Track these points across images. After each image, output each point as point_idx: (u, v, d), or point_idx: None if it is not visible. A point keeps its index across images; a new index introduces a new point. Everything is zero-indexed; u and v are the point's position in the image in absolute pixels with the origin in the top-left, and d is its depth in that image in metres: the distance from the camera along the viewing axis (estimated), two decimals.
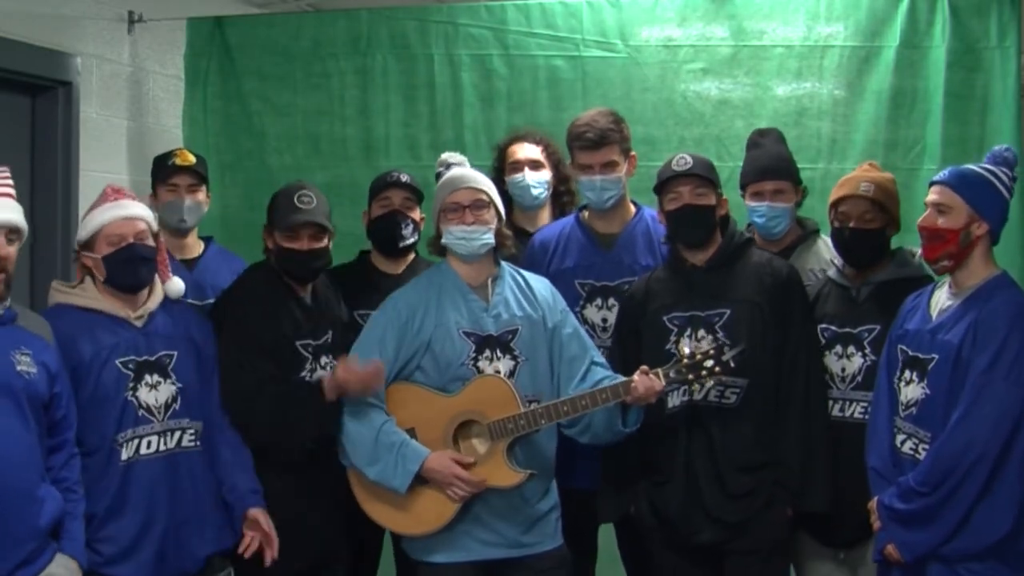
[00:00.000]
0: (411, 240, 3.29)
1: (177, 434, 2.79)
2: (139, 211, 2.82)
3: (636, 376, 2.74)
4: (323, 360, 3.00)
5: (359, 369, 2.78)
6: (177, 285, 2.90)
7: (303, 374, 2.96)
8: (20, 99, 3.95)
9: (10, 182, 2.56)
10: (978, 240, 2.66)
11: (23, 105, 3.97)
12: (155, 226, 2.87)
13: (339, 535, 2.99)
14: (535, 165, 3.48)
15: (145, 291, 2.83)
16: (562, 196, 3.56)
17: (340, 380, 2.79)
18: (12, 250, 2.51)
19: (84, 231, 2.80)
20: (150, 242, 2.81)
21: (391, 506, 2.80)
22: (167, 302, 2.88)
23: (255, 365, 2.87)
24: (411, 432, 2.78)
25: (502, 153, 3.56)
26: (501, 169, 3.51)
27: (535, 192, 3.47)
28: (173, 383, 2.80)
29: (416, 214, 3.31)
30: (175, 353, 2.81)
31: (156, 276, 2.86)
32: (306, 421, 2.85)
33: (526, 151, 3.51)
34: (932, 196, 2.70)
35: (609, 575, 3.44)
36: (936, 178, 2.73)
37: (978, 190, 2.66)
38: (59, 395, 2.57)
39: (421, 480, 2.75)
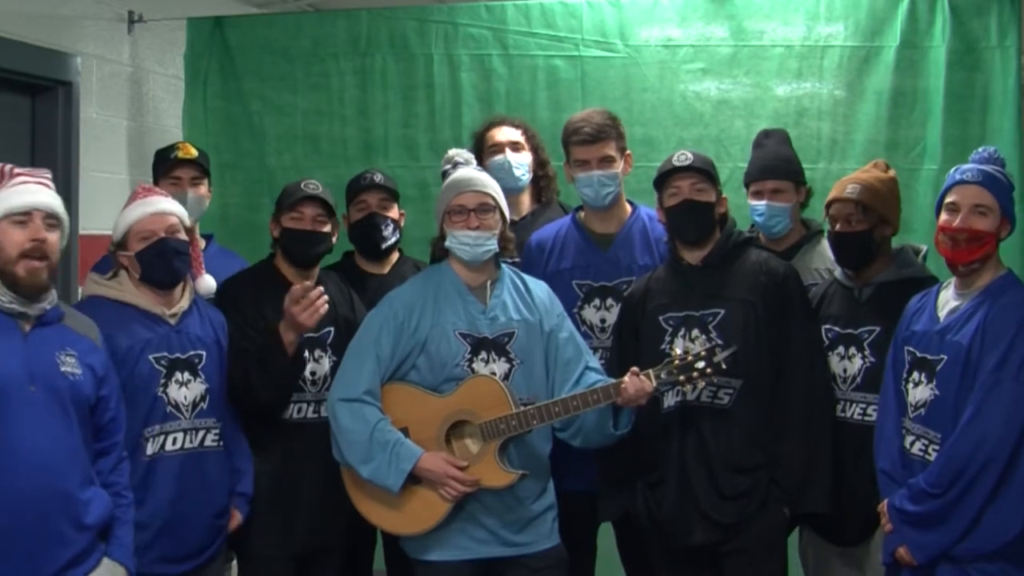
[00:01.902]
0: (392, 240, 3.30)
1: (202, 433, 2.83)
2: (168, 206, 2.87)
3: (626, 378, 2.74)
4: (317, 353, 3.02)
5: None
6: (208, 283, 2.94)
7: None
8: (20, 99, 3.95)
9: (45, 175, 2.56)
10: (999, 242, 2.65)
11: (23, 105, 3.97)
12: (188, 221, 2.90)
13: (336, 522, 3.00)
14: (516, 147, 3.46)
15: (179, 289, 2.87)
16: (539, 181, 3.53)
17: (287, 311, 2.85)
18: (53, 236, 2.48)
19: (116, 231, 2.84)
20: (182, 236, 2.85)
21: (384, 505, 2.80)
22: (199, 304, 2.92)
23: (241, 336, 2.94)
24: (404, 432, 2.78)
25: (480, 139, 3.53)
26: (479, 156, 3.47)
27: (517, 173, 3.44)
28: (202, 382, 2.83)
29: (394, 212, 3.31)
30: (204, 354, 2.85)
31: (188, 275, 2.90)
32: (263, 377, 2.89)
33: (505, 133, 3.49)
34: (967, 197, 2.63)
35: (609, 575, 3.43)
36: (966, 178, 2.65)
37: (1005, 191, 2.65)
38: (106, 398, 2.57)
39: (414, 479, 2.75)
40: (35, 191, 2.48)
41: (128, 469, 2.63)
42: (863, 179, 2.96)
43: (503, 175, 3.41)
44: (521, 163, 3.45)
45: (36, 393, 2.40)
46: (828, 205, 2.98)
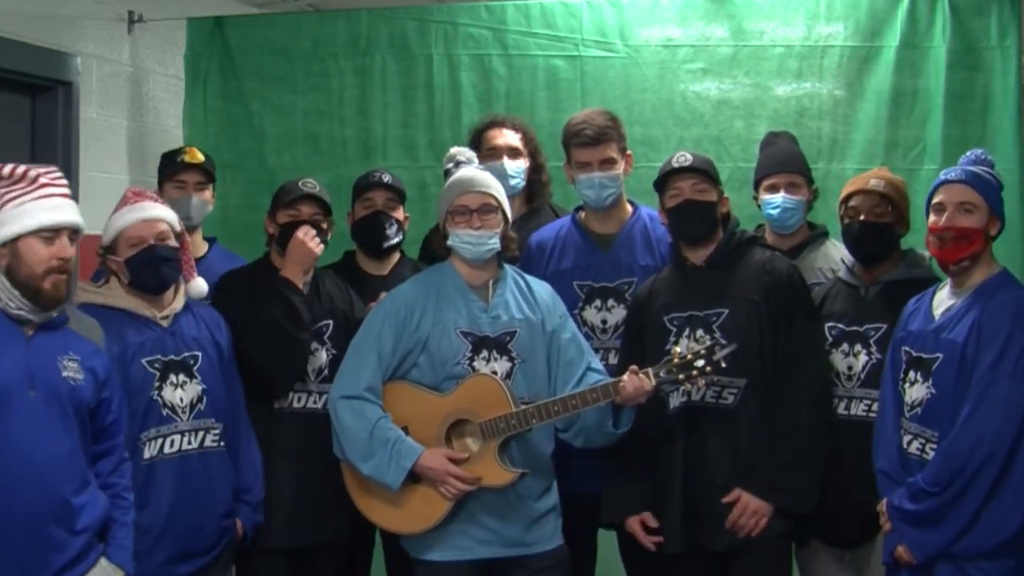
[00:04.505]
0: (395, 240, 3.30)
1: (201, 434, 2.81)
2: (159, 212, 2.85)
3: (625, 376, 2.74)
4: (313, 346, 3.04)
5: None
6: (200, 286, 2.92)
7: None
8: (20, 99, 3.95)
9: (64, 182, 2.56)
10: (991, 240, 2.66)
11: (23, 105, 3.97)
12: (178, 226, 2.89)
13: (334, 516, 3.00)
14: (514, 153, 3.43)
15: (171, 291, 2.86)
16: (534, 185, 3.50)
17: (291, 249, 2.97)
18: (72, 250, 2.51)
19: (106, 235, 2.83)
20: (172, 242, 2.83)
21: (384, 503, 2.80)
22: (192, 305, 2.91)
23: (253, 313, 2.97)
24: (404, 430, 2.78)
25: (477, 138, 3.49)
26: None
27: (512, 182, 3.40)
28: (199, 383, 2.82)
29: (399, 214, 3.32)
30: (200, 354, 2.84)
31: (181, 277, 2.89)
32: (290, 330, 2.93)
33: (506, 138, 3.46)
34: (952, 196, 2.66)
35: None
36: (951, 177, 2.68)
37: (992, 189, 2.67)
38: (108, 400, 2.56)
39: (415, 478, 2.75)
40: (61, 207, 2.49)
41: (129, 470, 2.62)
42: (884, 176, 2.99)
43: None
44: (517, 170, 3.43)
45: (35, 398, 2.39)
46: (846, 198, 2.98)
